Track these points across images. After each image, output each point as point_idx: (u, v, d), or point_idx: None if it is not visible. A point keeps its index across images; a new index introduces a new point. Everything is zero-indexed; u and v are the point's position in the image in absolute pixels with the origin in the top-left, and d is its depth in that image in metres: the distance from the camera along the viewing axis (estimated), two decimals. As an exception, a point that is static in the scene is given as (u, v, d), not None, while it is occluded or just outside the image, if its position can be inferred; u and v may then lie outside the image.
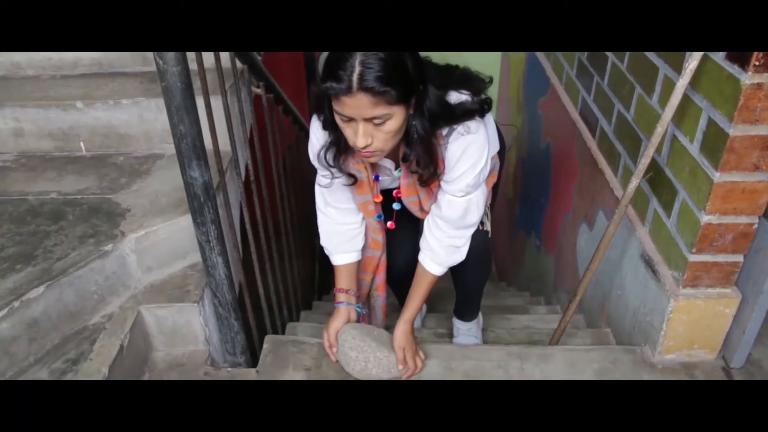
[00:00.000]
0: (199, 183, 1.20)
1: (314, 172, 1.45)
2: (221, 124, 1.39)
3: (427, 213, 1.46)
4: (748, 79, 1.11)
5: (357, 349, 1.45)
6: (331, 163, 1.33)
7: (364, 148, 1.15)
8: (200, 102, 1.18)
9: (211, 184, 1.23)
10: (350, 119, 1.12)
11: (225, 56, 1.51)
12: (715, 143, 1.22)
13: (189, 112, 1.12)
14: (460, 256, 1.48)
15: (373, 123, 1.12)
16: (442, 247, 1.44)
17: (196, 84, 1.16)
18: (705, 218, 1.27)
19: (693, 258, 1.34)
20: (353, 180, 1.39)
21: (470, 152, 1.27)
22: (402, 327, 1.48)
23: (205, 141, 1.19)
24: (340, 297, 1.55)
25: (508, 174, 3.54)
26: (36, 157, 1.95)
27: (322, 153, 1.33)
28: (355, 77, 1.04)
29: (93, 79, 2.11)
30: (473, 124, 1.25)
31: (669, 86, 1.41)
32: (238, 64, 1.69)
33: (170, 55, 1.05)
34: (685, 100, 1.32)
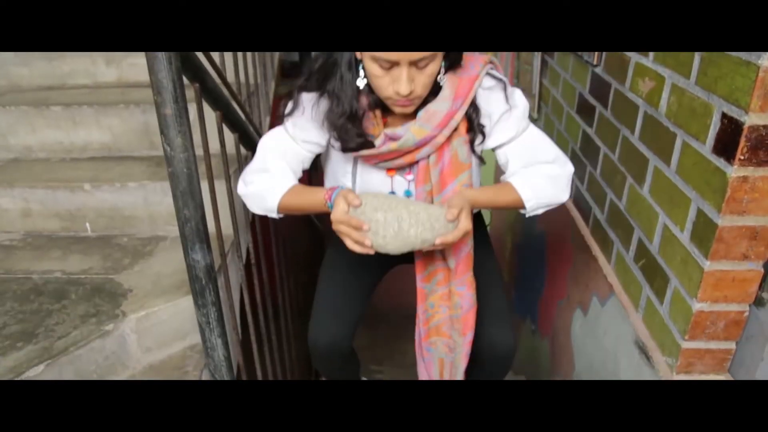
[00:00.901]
0: (201, 266, 1.23)
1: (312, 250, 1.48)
2: (224, 207, 1.43)
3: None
4: (733, 172, 1.16)
5: (384, 208, 1.15)
6: (346, 126, 1.24)
7: (407, 95, 1.14)
8: (205, 186, 1.22)
9: (213, 266, 1.26)
10: (391, 66, 1.11)
11: (230, 142, 1.57)
12: (704, 233, 1.26)
13: (194, 196, 1.15)
14: (552, 187, 1.31)
15: (417, 66, 1.11)
16: (532, 172, 1.31)
17: (201, 168, 1.21)
18: (697, 306, 1.30)
19: (686, 345, 1.36)
20: (361, 145, 1.27)
21: (496, 95, 1.29)
22: (462, 193, 1.26)
23: (208, 224, 1.22)
24: (326, 195, 1.26)
25: (504, 258, 3.57)
26: (42, 237, 1.98)
27: (336, 118, 1.24)
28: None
29: (101, 162, 2.18)
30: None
31: (659, 177, 1.46)
32: (243, 150, 1.75)
33: (177, 142, 1.08)
34: (675, 190, 1.37)
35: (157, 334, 1.57)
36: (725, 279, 1.27)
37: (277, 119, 1.38)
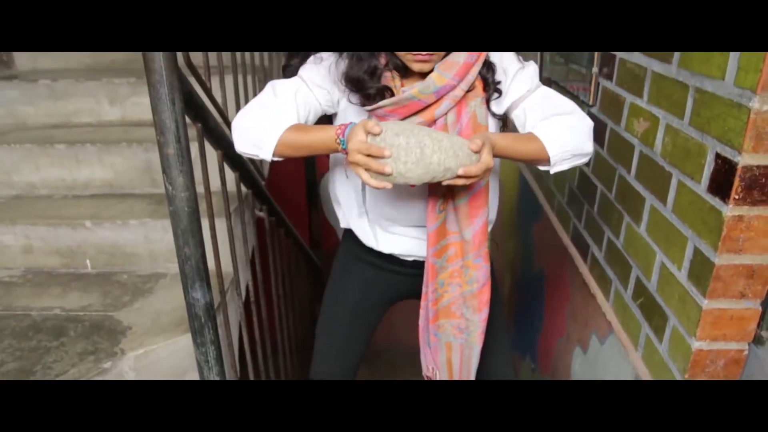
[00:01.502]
0: (201, 304, 1.23)
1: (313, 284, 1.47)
2: (224, 245, 1.44)
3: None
4: (729, 211, 1.17)
5: (406, 134, 1.08)
6: (365, 78, 1.23)
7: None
8: (205, 224, 1.23)
9: (212, 305, 1.27)
10: None
11: (231, 180, 1.59)
12: (701, 271, 1.26)
13: (194, 235, 1.16)
14: (574, 137, 1.25)
15: None
16: (553, 124, 1.25)
17: (202, 206, 1.22)
18: (696, 344, 1.30)
19: (687, 384, 1.35)
20: (380, 93, 1.25)
21: (508, 54, 1.31)
22: (484, 132, 1.22)
23: (208, 262, 1.23)
24: (338, 131, 1.17)
25: (503, 295, 3.56)
26: (43, 273, 1.99)
27: (355, 73, 1.23)
28: None
29: (103, 200, 2.20)
30: None
31: (655, 215, 1.47)
32: (243, 188, 1.77)
33: (179, 181, 1.10)
34: (671, 229, 1.38)
35: (156, 372, 1.56)
36: (723, 317, 1.27)
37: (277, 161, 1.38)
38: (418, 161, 1.06)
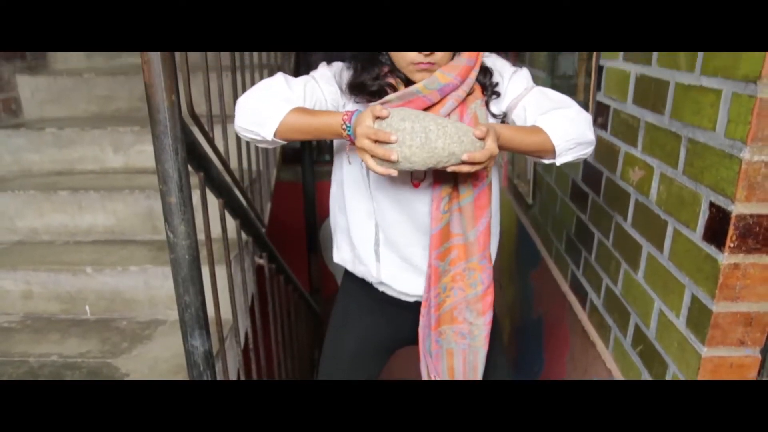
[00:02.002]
0: (200, 352, 1.23)
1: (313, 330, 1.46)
2: (224, 292, 1.45)
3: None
4: (725, 259, 1.18)
5: (411, 118, 1.10)
6: (367, 77, 1.28)
7: (428, 55, 1.20)
8: (205, 271, 1.24)
9: (211, 352, 1.26)
10: None
11: (231, 228, 1.61)
12: (700, 319, 1.27)
13: (195, 283, 1.17)
14: (576, 126, 1.25)
15: None
16: (554, 116, 1.25)
17: (202, 253, 1.23)
18: (696, 393, 1.29)
19: None
20: (382, 89, 1.28)
21: (501, 59, 1.36)
22: (489, 123, 1.23)
23: (207, 309, 1.23)
24: (344, 117, 1.18)
25: (502, 343, 3.54)
26: (42, 319, 1.99)
27: (359, 78, 1.28)
28: None
29: (104, 246, 2.21)
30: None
31: (653, 263, 1.49)
32: (244, 235, 1.79)
33: (181, 229, 1.11)
34: (669, 276, 1.39)
35: (152, 421, 1.55)
36: (723, 365, 1.27)
37: (278, 206, 1.41)
38: (422, 145, 1.08)
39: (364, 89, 1.29)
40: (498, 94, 1.34)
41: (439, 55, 1.23)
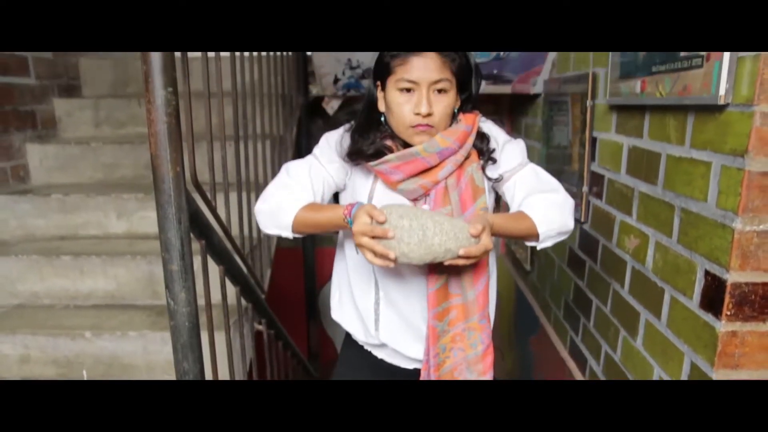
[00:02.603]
0: (197, 419, 1.22)
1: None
2: (223, 358, 1.44)
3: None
4: (722, 327, 1.19)
5: (409, 216, 1.13)
6: (364, 138, 1.33)
7: (426, 116, 1.23)
8: (204, 337, 1.23)
9: (208, 420, 1.25)
10: (412, 90, 1.23)
11: (231, 294, 1.61)
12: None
13: (194, 350, 1.17)
14: (560, 214, 1.30)
15: (436, 91, 1.24)
16: (539, 200, 1.31)
17: (202, 319, 1.23)
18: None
19: None
20: (380, 151, 1.32)
21: (496, 127, 1.40)
22: (482, 215, 1.25)
23: (206, 375, 1.23)
24: (345, 211, 1.23)
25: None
26: (37, 386, 1.97)
27: (358, 144, 1.33)
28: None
29: (104, 311, 2.20)
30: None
31: (651, 330, 1.49)
32: (243, 302, 1.79)
33: (181, 297, 1.12)
34: (667, 343, 1.39)
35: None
36: (724, 436, 1.25)
37: (277, 271, 1.42)
38: (420, 242, 1.11)
39: (362, 154, 1.33)
40: (494, 160, 1.37)
41: (437, 117, 1.27)
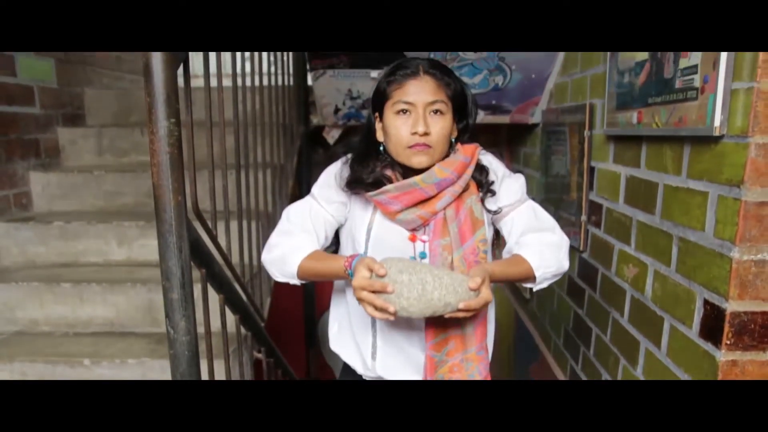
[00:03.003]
0: (195, 449, 1.22)
1: None
2: (222, 387, 1.43)
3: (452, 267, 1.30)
4: (722, 356, 1.19)
5: (408, 270, 1.14)
6: (362, 168, 1.34)
7: (423, 135, 1.24)
8: (204, 366, 1.23)
9: (207, 450, 1.25)
10: (408, 110, 1.26)
11: (231, 322, 1.61)
12: (699, 418, 1.26)
13: (193, 378, 1.17)
14: (556, 256, 1.33)
15: (432, 112, 1.26)
16: (535, 241, 1.34)
17: (201, 347, 1.23)
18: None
19: None
20: (379, 181, 1.33)
21: (496, 161, 1.41)
22: (482, 265, 1.27)
23: (205, 405, 1.23)
24: (346, 263, 1.25)
25: None
26: (34, 415, 1.95)
27: (357, 174, 1.34)
28: (422, 65, 1.26)
29: (103, 338, 2.20)
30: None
31: (651, 359, 1.48)
32: (243, 330, 1.79)
33: (181, 325, 1.11)
34: (668, 373, 1.39)
35: None
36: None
37: (277, 299, 1.43)
38: (419, 297, 1.11)
39: (361, 183, 1.34)
40: (493, 193, 1.38)
41: (434, 138, 1.28)
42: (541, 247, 1.33)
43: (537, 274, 1.31)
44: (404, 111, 1.28)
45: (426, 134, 1.27)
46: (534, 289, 1.37)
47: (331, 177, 1.40)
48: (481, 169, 1.38)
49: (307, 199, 1.42)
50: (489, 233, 1.39)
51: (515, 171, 1.45)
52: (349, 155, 1.40)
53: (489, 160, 1.42)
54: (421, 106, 1.26)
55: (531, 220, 1.37)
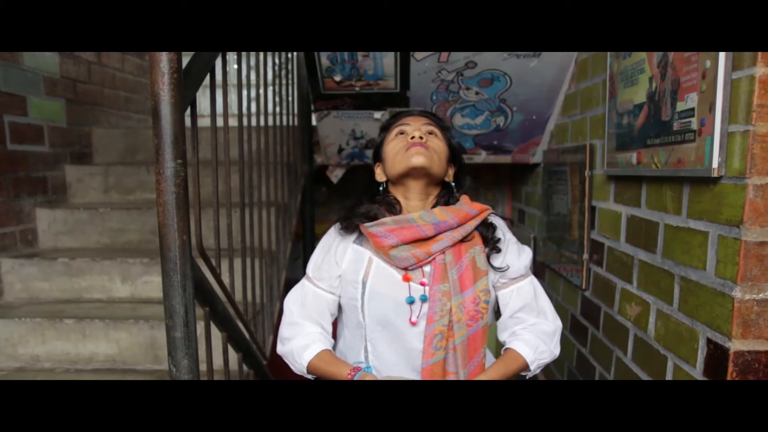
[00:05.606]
0: (195, 489, 1.20)
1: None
2: (223, 427, 1.42)
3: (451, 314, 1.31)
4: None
5: None
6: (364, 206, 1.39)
7: (419, 138, 1.31)
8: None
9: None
10: (405, 132, 1.35)
11: (233, 359, 1.61)
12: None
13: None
14: (549, 347, 1.37)
15: (427, 132, 1.35)
16: (530, 332, 1.37)
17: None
18: None
19: None
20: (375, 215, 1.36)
21: (505, 227, 1.44)
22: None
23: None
24: (349, 375, 1.31)
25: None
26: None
27: (353, 204, 1.42)
28: (418, 110, 1.43)
29: (105, 375, 2.19)
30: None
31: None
32: (245, 368, 1.78)
33: (184, 363, 1.11)
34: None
35: None
36: None
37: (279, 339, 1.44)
38: None
39: (358, 216, 1.37)
40: (499, 250, 1.38)
41: (431, 147, 1.33)
42: (537, 341, 1.35)
43: (531, 367, 1.35)
44: (401, 132, 1.37)
45: (422, 138, 1.33)
46: (527, 377, 1.41)
47: (324, 251, 1.42)
48: (488, 226, 1.39)
49: (303, 284, 1.44)
50: (494, 278, 1.39)
51: (517, 209, 1.47)
52: (342, 219, 1.41)
53: (498, 222, 1.44)
54: (416, 126, 1.36)
55: (530, 300, 1.39)
